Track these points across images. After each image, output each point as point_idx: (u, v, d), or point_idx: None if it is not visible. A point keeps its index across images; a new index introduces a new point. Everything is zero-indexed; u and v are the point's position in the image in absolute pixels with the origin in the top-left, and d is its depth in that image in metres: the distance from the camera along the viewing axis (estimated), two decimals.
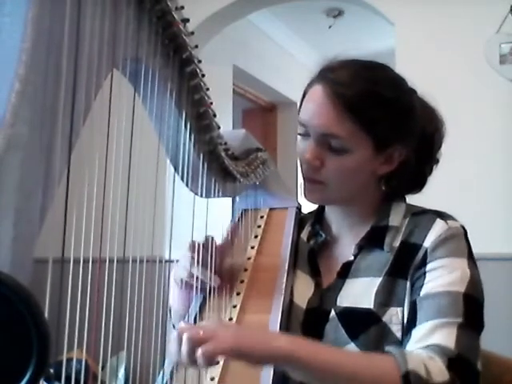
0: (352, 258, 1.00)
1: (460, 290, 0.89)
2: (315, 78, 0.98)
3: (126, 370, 2.45)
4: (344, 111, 0.91)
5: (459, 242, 0.94)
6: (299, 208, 1.23)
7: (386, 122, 0.94)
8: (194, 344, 0.73)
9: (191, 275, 1.00)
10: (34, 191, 0.51)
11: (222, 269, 1.06)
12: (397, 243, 0.97)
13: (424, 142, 1.02)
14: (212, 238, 1.04)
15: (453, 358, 0.82)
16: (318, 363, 0.79)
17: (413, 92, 1.01)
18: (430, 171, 1.07)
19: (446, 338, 0.84)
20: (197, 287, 1.00)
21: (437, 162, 1.07)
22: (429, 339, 0.85)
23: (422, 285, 0.91)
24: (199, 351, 0.72)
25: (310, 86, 0.98)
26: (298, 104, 1.03)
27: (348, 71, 0.95)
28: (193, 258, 1.00)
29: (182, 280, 1.02)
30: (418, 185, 1.07)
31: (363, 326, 0.93)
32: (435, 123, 1.05)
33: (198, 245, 1.02)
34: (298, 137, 1.00)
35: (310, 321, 0.98)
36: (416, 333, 0.87)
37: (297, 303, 1.01)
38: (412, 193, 1.07)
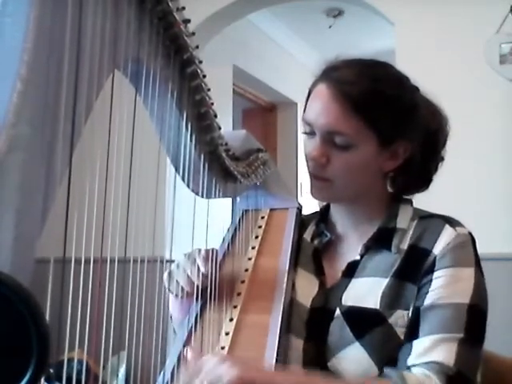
0: (358, 257, 1.00)
1: (464, 301, 0.89)
2: (319, 77, 0.99)
3: (126, 370, 2.45)
4: (349, 109, 0.92)
5: (467, 250, 0.94)
6: (300, 208, 1.23)
7: (390, 119, 0.95)
8: None
9: (189, 282, 1.00)
10: (36, 191, 0.51)
11: (221, 278, 1.05)
12: (404, 245, 0.97)
13: (428, 139, 1.02)
14: (215, 251, 1.02)
15: (451, 376, 0.84)
16: None
17: (416, 89, 1.02)
18: (436, 169, 1.07)
19: (446, 354, 0.85)
20: (193, 295, 1.00)
21: (442, 159, 1.07)
22: (429, 355, 0.86)
23: (427, 292, 0.91)
24: None
25: (314, 85, 0.99)
26: (300, 104, 1.04)
27: (352, 70, 0.96)
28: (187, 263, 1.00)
29: (176, 292, 1.02)
30: (423, 183, 1.07)
31: (368, 325, 0.93)
32: (439, 120, 1.05)
33: (193, 252, 1.01)
34: (304, 136, 1.01)
35: (315, 320, 0.98)
36: (417, 346, 0.88)
37: (301, 302, 1.01)
38: (418, 192, 1.07)
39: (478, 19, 2.61)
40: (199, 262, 0.99)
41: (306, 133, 1.00)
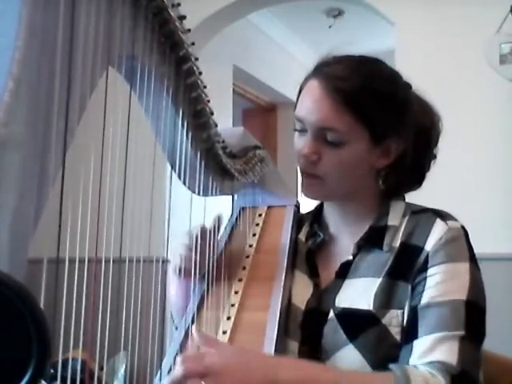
0: (351, 257, 1.00)
1: (461, 297, 0.88)
2: (311, 73, 0.98)
3: (125, 370, 2.45)
4: (341, 105, 0.91)
5: (460, 244, 0.93)
6: (298, 206, 1.23)
7: (382, 115, 0.94)
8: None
9: (188, 258, 1.01)
10: (29, 191, 0.51)
11: (218, 276, 1.06)
12: (396, 243, 0.97)
13: (420, 137, 1.01)
14: (207, 229, 1.04)
15: (455, 375, 0.82)
16: None
17: (408, 86, 1.01)
18: (428, 167, 1.06)
19: (448, 353, 0.84)
20: (195, 275, 1.00)
21: (434, 157, 1.07)
22: (431, 355, 0.85)
23: (423, 290, 0.90)
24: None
25: (305, 81, 0.99)
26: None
27: (344, 66, 0.96)
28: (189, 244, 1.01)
29: (179, 270, 1.03)
30: (416, 181, 1.07)
31: (362, 327, 0.92)
32: (431, 118, 1.05)
33: (197, 235, 1.02)
34: (295, 133, 1.00)
35: (309, 322, 0.97)
36: (418, 346, 0.87)
37: (295, 304, 1.00)
38: (411, 190, 1.07)
39: (477, 19, 2.61)
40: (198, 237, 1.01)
41: (297, 130, 0.99)
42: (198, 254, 1.00)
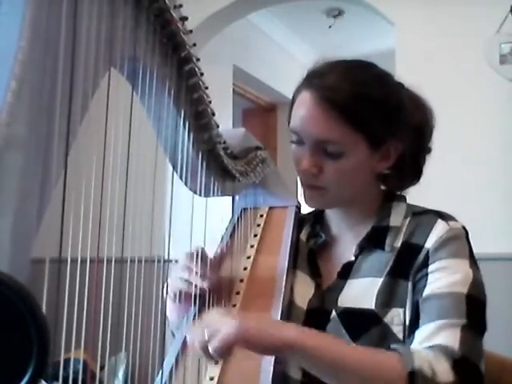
0: (353, 258, 1.00)
1: (462, 290, 0.88)
2: (302, 84, 0.97)
3: (125, 370, 2.45)
4: (335, 116, 0.91)
5: (460, 243, 0.94)
6: (298, 207, 1.23)
7: (378, 120, 0.94)
8: (203, 346, 0.76)
9: (184, 282, 0.99)
10: (32, 191, 0.51)
11: (218, 278, 1.05)
12: (398, 243, 0.97)
13: (415, 133, 1.01)
14: (202, 250, 1.02)
15: (457, 359, 0.82)
16: (324, 355, 0.80)
17: (400, 86, 1.01)
18: (424, 161, 1.06)
19: (450, 339, 0.84)
20: (191, 298, 0.99)
21: (429, 150, 1.06)
22: (433, 340, 0.85)
23: (425, 286, 0.90)
24: (210, 350, 0.75)
25: (297, 92, 0.98)
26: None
27: (335, 75, 0.95)
28: (186, 266, 1.00)
29: (175, 294, 1.01)
30: (414, 176, 1.06)
31: (364, 326, 0.92)
32: (423, 112, 1.04)
33: (191, 254, 1.00)
34: (292, 144, 0.99)
35: (311, 322, 0.97)
36: (419, 334, 0.87)
37: (297, 304, 1.00)
38: (410, 185, 1.07)
39: (478, 19, 2.61)
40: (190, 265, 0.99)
41: (293, 141, 0.98)
42: (198, 277, 0.99)
